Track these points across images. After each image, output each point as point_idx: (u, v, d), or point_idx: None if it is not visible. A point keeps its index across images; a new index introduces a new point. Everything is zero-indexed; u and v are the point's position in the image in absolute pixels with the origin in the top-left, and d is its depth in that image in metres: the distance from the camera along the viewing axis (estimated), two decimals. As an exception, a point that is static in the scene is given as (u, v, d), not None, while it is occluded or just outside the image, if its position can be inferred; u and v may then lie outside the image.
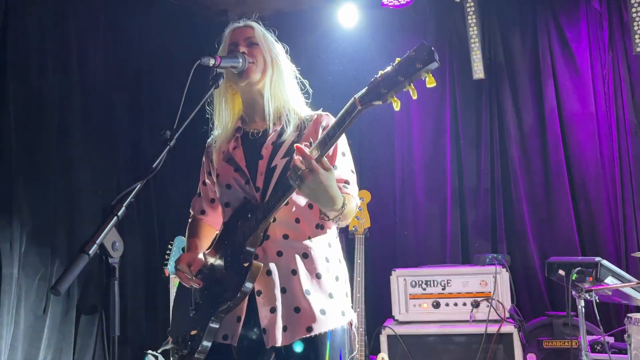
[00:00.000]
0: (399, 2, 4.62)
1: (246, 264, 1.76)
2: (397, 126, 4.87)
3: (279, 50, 2.01)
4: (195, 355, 1.78)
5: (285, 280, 1.82)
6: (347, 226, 3.54)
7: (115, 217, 1.36)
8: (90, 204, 3.76)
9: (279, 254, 1.84)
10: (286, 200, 1.74)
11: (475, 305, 3.70)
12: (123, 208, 1.38)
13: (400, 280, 3.87)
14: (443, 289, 3.81)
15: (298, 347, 1.79)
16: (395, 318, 3.84)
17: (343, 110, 1.59)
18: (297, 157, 1.62)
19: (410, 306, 3.84)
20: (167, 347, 1.93)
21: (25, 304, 3.38)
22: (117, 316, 1.30)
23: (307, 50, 4.67)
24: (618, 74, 4.27)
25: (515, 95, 4.59)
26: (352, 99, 1.55)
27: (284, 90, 1.97)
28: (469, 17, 4.50)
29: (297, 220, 1.86)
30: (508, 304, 3.68)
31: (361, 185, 4.39)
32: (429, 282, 3.84)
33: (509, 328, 3.57)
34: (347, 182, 1.89)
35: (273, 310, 1.80)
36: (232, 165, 1.94)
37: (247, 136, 1.99)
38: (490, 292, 3.71)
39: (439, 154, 4.71)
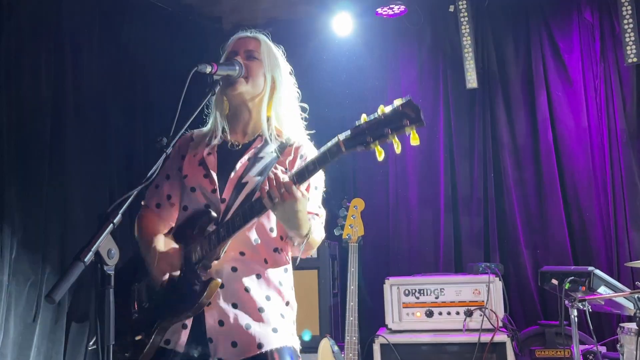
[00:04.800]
0: (393, 11, 4.65)
1: (205, 279, 1.76)
2: (390, 135, 4.87)
3: (283, 69, 1.99)
4: None
5: (237, 296, 1.82)
6: (341, 234, 3.54)
7: (111, 225, 1.34)
8: (82, 212, 3.73)
9: (234, 269, 1.83)
10: (254, 221, 1.76)
11: (469, 314, 3.69)
12: (119, 215, 1.37)
13: (394, 289, 3.86)
14: (436, 298, 3.81)
15: None
16: (389, 327, 3.83)
17: (326, 149, 1.63)
18: (274, 180, 1.65)
19: (403, 315, 3.83)
20: (95, 347, 1.85)
21: (15, 311, 3.35)
22: (112, 325, 1.29)
23: (302, 58, 4.68)
24: (610, 85, 4.31)
25: (508, 104, 4.62)
26: (336, 139, 1.60)
27: (275, 110, 1.96)
28: (463, 27, 4.53)
29: (256, 241, 1.86)
30: (501, 313, 3.68)
31: (355, 193, 4.42)
32: (422, 291, 3.83)
33: (502, 337, 3.56)
34: (317, 214, 1.91)
35: (222, 323, 1.80)
36: (203, 170, 1.92)
37: (225, 146, 1.97)
38: (483, 301, 3.71)
39: (432, 162, 4.72)
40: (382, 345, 3.69)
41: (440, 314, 3.78)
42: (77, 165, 3.78)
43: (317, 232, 1.86)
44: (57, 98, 3.70)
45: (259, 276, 1.85)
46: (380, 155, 1.57)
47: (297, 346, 1.91)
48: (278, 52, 2.02)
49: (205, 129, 2.03)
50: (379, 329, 3.87)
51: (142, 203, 2.06)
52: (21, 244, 3.39)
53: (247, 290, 1.83)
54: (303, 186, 1.76)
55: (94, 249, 1.28)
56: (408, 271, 4.30)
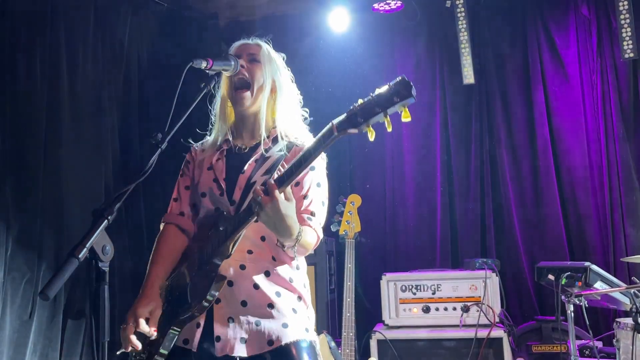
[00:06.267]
0: (389, 6, 4.64)
1: (212, 274, 1.76)
2: (387, 130, 4.87)
3: (284, 74, 2.03)
4: None
5: (247, 293, 1.83)
6: (338, 231, 3.54)
7: (106, 221, 1.33)
8: (77, 208, 3.71)
9: (242, 267, 1.85)
10: (254, 218, 1.73)
11: (465, 309, 3.70)
12: (114, 212, 1.36)
13: (391, 285, 3.86)
14: (433, 294, 3.81)
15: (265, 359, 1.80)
16: (386, 323, 3.83)
17: (320, 135, 1.64)
18: (259, 186, 1.67)
19: (400, 311, 3.83)
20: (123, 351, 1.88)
21: (11, 308, 3.33)
22: (107, 321, 1.28)
23: (298, 54, 4.67)
24: (606, 80, 4.31)
25: (505, 100, 4.62)
26: (330, 124, 1.61)
27: (278, 112, 1.98)
28: (459, 22, 4.52)
29: (263, 239, 1.87)
30: (498, 308, 3.69)
31: (352, 190, 4.41)
32: (419, 287, 3.83)
33: (498, 333, 3.57)
34: (312, 214, 1.89)
35: (231, 320, 1.81)
36: (212, 175, 1.96)
37: (233, 150, 2.00)
38: (480, 297, 3.72)
39: (429, 158, 4.72)
40: (379, 341, 3.70)
41: (437, 309, 3.79)
42: (73, 161, 3.76)
43: (309, 234, 1.83)
44: (52, 94, 3.68)
45: (267, 273, 1.87)
46: (372, 136, 1.56)
47: (315, 341, 1.89)
48: (279, 58, 2.05)
49: (212, 137, 2.06)
50: (376, 325, 3.87)
51: (162, 220, 2.06)
52: (17, 241, 3.37)
53: (256, 287, 1.84)
54: (295, 190, 1.78)
55: (88, 245, 1.27)
56: (405, 267, 4.30)
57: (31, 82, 3.56)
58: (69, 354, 3.64)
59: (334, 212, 3.58)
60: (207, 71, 1.84)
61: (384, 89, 1.52)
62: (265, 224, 1.70)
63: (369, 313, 4.23)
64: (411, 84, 1.48)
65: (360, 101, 1.56)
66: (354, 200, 3.56)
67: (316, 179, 1.93)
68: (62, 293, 3.63)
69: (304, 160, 1.65)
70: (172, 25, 4.62)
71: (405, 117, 1.51)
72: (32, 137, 3.54)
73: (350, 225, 3.52)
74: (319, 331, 3.63)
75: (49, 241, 3.57)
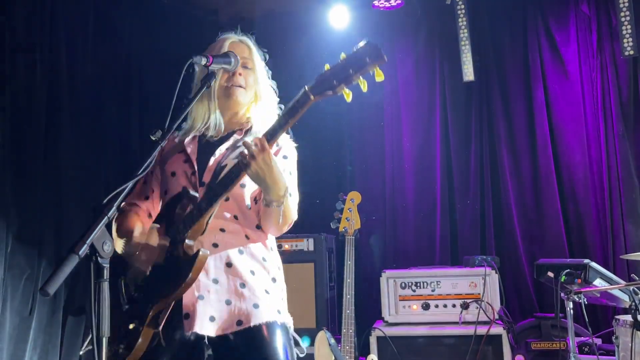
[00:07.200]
0: (389, 3, 4.63)
1: (190, 257, 1.74)
2: (387, 128, 4.88)
3: (265, 75, 2.08)
4: (135, 349, 1.73)
5: (219, 271, 1.83)
6: (338, 228, 3.53)
7: (106, 217, 1.34)
8: (77, 205, 3.72)
9: (215, 245, 1.84)
10: (229, 192, 1.76)
11: (465, 306, 3.70)
12: (114, 208, 1.37)
13: (390, 282, 3.87)
14: (433, 291, 3.82)
15: (232, 339, 1.79)
16: (385, 319, 3.84)
17: (294, 100, 1.66)
18: (247, 140, 1.72)
19: (400, 307, 3.84)
20: (90, 347, 1.82)
21: (11, 305, 3.34)
22: (106, 318, 1.29)
23: (298, 51, 4.66)
24: (606, 78, 4.31)
25: (505, 97, 4.62)
26: (303, 89, 1.64)
27: (258, 108, 2.04)
28: (460, 20, 4.52)
29: (236, 217, 1.89)
30: (497, 305, 3.69)
31: (351, 187, 4.41)
32: (418, 284, 3.84)
33: (498, 330, 3.58)
34: (290, 194, 1.89)
35: (201, 297, 1.80)
36: (183, 156, 1.97)
37: (205, 137, 2.02)
38: (479, 294, 3.72)
39: (429, 155, 4.72)
40: (378, 337, 3.70)
41: (436, 306, 3.80)
42: (73, 158, 3.77)
43: (290, 204, 1.85)
44: (51, 92, 3.68)
45: (241, 251, 1.87)
46: (348, 97, 1.61)
47: (288, 323, 1.89)
48: (261, 59, 2.09)
49: (187, 126, 2.06)
50: (376, 322, 3.88)
51: (125, 202, 1.98)
52: (17, 238, 3.38)
53: (229, 265, 1.84)
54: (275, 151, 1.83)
55: (88, 241, 1.28)
56: (405, 264, 4.30)
57: (31, 80, 3.56)
58: (69, 351, 3.65)
59: (334, 209, 3.58)
60: (207, 68, 1.85)
61: (352, 52, 1.56)
62: (254, 178, 1.72)
63: (369, 310, 4.24)
64: (378, 45, 1.53)
65: (327, 66, 1.60)
66: (354, 198, 3.56)
67: (288, 168, 1.97)
68: (62, 289, 3.64)
69: (284, 122, 1.68)
70: (173, 22, 4.62)
71: (379, 77, 1.55)
72: (31, 133, 3.54)
73: (350, 222, 3.51)
74: (318, 328, 3.64)
75: (49, 238, 3.58)
